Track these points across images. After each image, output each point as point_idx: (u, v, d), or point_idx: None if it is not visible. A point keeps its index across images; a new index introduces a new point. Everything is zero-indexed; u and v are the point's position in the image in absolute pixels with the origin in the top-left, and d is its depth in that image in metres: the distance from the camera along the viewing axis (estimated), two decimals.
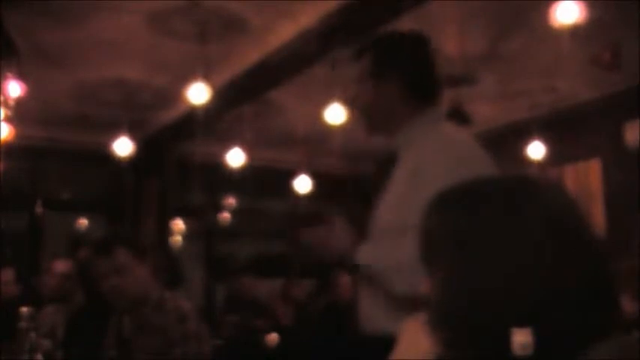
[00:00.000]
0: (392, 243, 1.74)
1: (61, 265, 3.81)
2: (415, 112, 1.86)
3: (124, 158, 5.44)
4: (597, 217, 5.56)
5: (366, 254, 1.78)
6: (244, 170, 5.86)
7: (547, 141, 5.56)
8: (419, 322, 0.97)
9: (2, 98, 3.68)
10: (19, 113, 3.92)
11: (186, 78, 4.34)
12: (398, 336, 1.03)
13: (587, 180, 5.88)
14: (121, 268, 2.44)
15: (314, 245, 1.87)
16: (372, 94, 1.90)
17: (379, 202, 1.86)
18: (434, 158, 1.73)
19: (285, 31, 4.39)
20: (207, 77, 4.29)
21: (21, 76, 3.71)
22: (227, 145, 5.76)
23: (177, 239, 7.41)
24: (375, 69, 1.88)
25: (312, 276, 5.82)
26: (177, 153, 6.81)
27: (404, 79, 1.86)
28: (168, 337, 2.36)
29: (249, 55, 4.79)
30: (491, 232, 0.85)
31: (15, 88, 3.72)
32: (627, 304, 2.99)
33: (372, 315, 1.82)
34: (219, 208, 7.60)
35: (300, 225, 1.96)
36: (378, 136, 1.94)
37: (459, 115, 4.95)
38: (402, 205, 1.74)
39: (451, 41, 4.57)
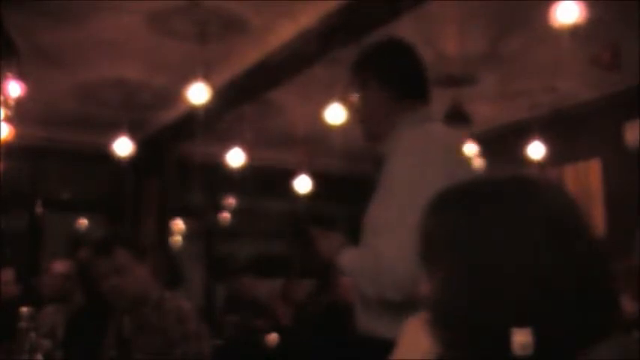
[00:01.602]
0: (368, 253, 1.78)
1: (60, 266, 3.81)
2: (402, 113, 1.90)
3: (124, 158, 5.43)
4: (597, 217, 5.56)
5: (346, 258, 1.82)
6: (244, 170, 5.86)
7: (547, 141, 5.56)
8: (419, 322, 0.97)
9: (2, 98, 3.68)
10: (19, 113, 3.91)
11: (186, 78, 4.34)
12: (397, 336, 1.03)
13: (587, 180, 5.88)
14: (121, 268, 2.44)
15: (317, 247, 1.92)
16: (362, 103, 1.97)
17: (370, 204, 1.89)
18: (401, 161, 1.77)
19: (285, 31, 4.39)
20: (207, 77, 4.28)
21: (21, 76, 3.71)
22: (227, 145, 5.76)
23: (177, 239, 7.41)
24: (360, 79, 1.96)
25: (312, 276, 5.82)
26: (177, 153, 6.81)
27: (382, 82, 1.92)
28: (168, 337, 2.36)
29: (249, 55, 4.79)
30: (490, 232, 0.85)
31: (15, 88, 3.72)
32: (627, 304, 2.99)
33: (363, 317, 1.84)
34: (219, 208, 7.59)
35: (306, 226, 2.01)
36: (377, 143, 1.97)
37: (459, 115, 4.95)
38: (378, 209, 1.79)
39: (451, 41, 4.57)
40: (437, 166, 1.70)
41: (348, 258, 1.82)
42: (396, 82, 1.93)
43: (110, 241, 2.56)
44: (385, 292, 1.69)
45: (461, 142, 1.96)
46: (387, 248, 1.68)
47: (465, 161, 1.91)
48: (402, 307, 1.63)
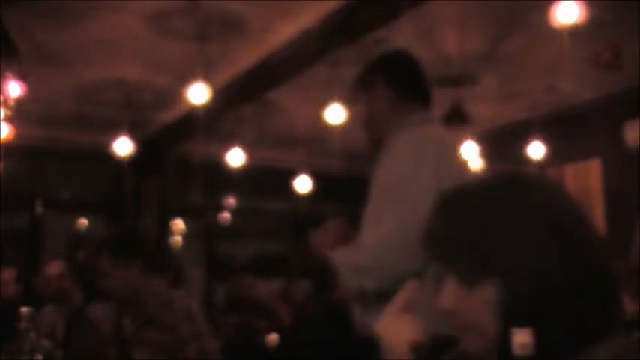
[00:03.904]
0: (349, 247, 1.85)
1: (54, 267, 3.82)
2: (405, 114, 1.95)
3: (124, 158, 5.43)
4: (597, 217, 5.55)
5: (336, 256, 1.88)
6: (244, 170, 5.86)
7: (547, 141, 5.55)
8: (394, 313, 0.97)
9: (2, 98, 3.68)
10: (19, 113, 3.92)
11: (186, 78, 4.33)
12: (377, 335, 1.03)
13: (587, 180, 5.87)
14: (104, 271, 2.50)
15: (315, 247, 1.96)
16: (368, 105, 2.02)
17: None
18: (393, 160, 1.83)
19: (285, 31, 4.39)
20: (207, 77, 4.28)
21: (21, 76, 3.71)
22: (227, 145, 5.76)
23: (177, 239, 7.41)
24: (365, 84, 2.03)
25: (310, 276, 5.82)
26: (177, 153, 6.81)
27: (389, 83, 1.98)
28: (178, 335, 2.39)
29: (249, 55, 4.79)
30: (491, 232, 0.85)
31: (15, 88, 3.72)
32: (627, 304, 2.99)
33: (360, 314, 1.86)
34: (219, 208, 7.59)
35: (306, 226, 2.05)
36: (381, 147, 2.01)
37: (458, 115, 4.95)
38: (368, 211, 1.84)
39: (451, 41, 4.57)
40: (427, 166, 1.75)
41: (338, 255, 1.87)
42: (401, 81, 1.99)
43: (100, 244, 2.65)
44: (363, 279, 1.73)
45: (456, 144, 2.02)
46: (369, 237, 1.74)
47: (460, 162, 1.95)
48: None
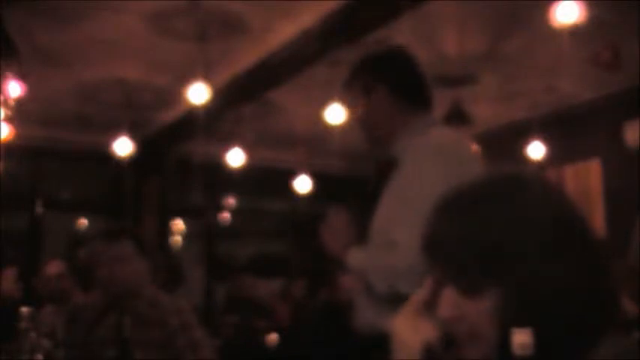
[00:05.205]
0: (380, 249, 1.82)
1: (53, 267, 3.82)
2: (408, 119, 1.94)
3: (124, 158, 5.44)
4: (597, 217, 5.55)
5: (354, 258, 1.86)
6: (244, 170, 5.86)
7: (547, 141, 5.55)
8: (407, 316, 0.97)
9: (2, 98, 3.68)
10: (19, 113, 3.92)
11: (186, 78, 4.34)
12: (390, 334, 1.02)
13: (587, 180, 5.87)
14: (124, 257, 2.50)
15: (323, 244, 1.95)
16: (366, 108, 1.99)
17: (378, 206, 1.90)
18: (416, 165, 1.81)
19: (285, 31, 4.39)
20: (207, 77, 4.28)
21: (21, 76, 3.71)
22: (227, 145, 5.76)
23: (177, 239, 7.40)
24: (364, 85, 1.98)
25: (309, 276, 5.82)
26: (177, 153, 6.81)
27: (391, 89, 1.95)
28: (169, 330, 2.41)
29: (249, 55, 4.79)
30: (490, 233, 0.85)
31: (15, 88, 3.72)
32: (627, 304, 2.99)
33: (365, 313, 1.86)
34: (219, 208, 7.59)
35: (303, 226, 2.06)
36: (380, 148, 2.01)
37: (459, 115, 4.95)
38: (391, 217, 1.82)
39: (451, 41, 4.57)
40: (449, 170, 1.72)
41: (357, 258, 1.85)
42: (405, 86, 1.97)
43: (119, 231, 2.65)
44: (398, 280, 1.71)
45: (470, 145, 2.01)
46: (401, 238, 1.70)
47: (477, 165, 1.93)
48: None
